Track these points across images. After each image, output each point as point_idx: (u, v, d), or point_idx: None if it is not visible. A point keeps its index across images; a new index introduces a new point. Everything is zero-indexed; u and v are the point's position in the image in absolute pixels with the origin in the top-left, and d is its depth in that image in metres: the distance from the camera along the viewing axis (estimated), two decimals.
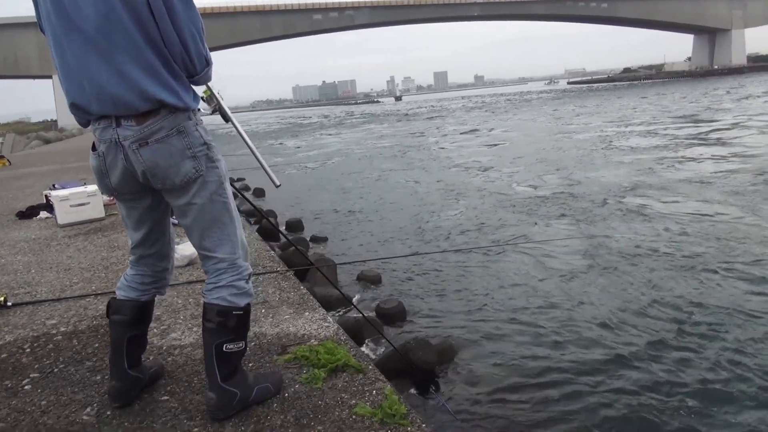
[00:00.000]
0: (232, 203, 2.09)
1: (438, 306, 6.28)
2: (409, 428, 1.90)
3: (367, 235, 9.98)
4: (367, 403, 2.08)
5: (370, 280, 7.35)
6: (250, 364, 2.49)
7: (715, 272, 6.43)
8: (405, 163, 20.11)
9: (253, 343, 2.72)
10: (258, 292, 3.45)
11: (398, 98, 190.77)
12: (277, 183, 2.27)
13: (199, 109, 2.07)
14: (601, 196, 11.21)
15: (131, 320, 2.18)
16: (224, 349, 2.01)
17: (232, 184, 2.32)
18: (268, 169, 2.29)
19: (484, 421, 3.83)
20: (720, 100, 38.00)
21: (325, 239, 9.78)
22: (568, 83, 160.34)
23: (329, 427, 1.97)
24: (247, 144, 2.31)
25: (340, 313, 6.18)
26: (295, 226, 10.82)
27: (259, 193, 16.30)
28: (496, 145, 23.84)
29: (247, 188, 17.22)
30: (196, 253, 2.25)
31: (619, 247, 7.65)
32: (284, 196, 15.40)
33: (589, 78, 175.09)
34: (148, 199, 2.07)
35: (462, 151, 22.23)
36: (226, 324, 2.00)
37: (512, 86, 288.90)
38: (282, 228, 10.75)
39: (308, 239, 9.59)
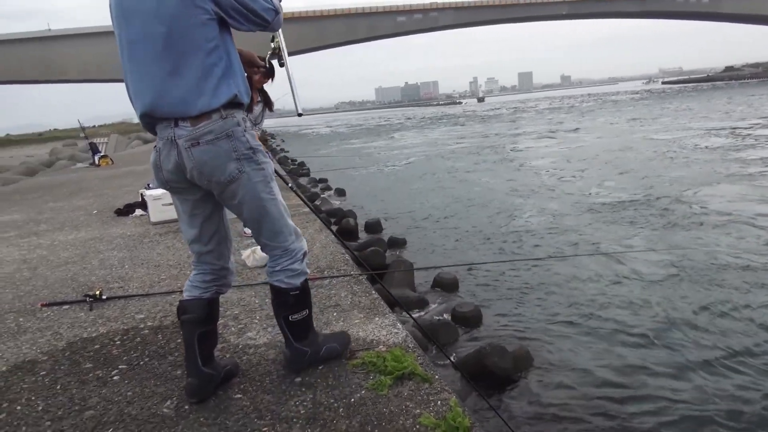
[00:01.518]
0: (279, 198, 2.32)
1: (516, 313, 6.14)
2: None
3: (444, 239, 9.91)
4: (432, 414, 2.06)
5: (447, 285, 7.30)
6: (320, 368, 2.54)
7: None
8: (482, 165, 19.83)
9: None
10: (331, 295, 3.52)
11: (481, 99, 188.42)
12: (300, 112, 2.50)
13: (248, 115, 2.32)
14: (684, 204, 10.57)
15: (198, 318, 2.34)
16: (290, 319, 2.41)
17: (312, 204, 2.47)
18: (297, 96, 2.49)
19: None
20: None
21: (403, 241, 9.77)
22: (663, 83, 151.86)
23: None
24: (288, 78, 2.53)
25: (416, 316, 6.20)
26: (373, 227, 10.90)
27: (340, 192, 16.63)
28: (576, 146, 23.00)
29: (329, 188, 17.63)
30: None
31: (703, 259, 7.16)
32: (364, 195, 15.61)
33: (686, 77, 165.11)
34: (199, 192, 2.25)
35: (540, 152, 21.64)
36: (287, 301, 2.38)
37: (601, 86, 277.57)
38: (361, 228, 10.90)
39: (386, 240, 9.64)
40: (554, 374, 4.72)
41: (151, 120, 2.17)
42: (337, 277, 3.85)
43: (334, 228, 10.64)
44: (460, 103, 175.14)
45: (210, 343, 2.41)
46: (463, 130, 42.24)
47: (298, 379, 2.45)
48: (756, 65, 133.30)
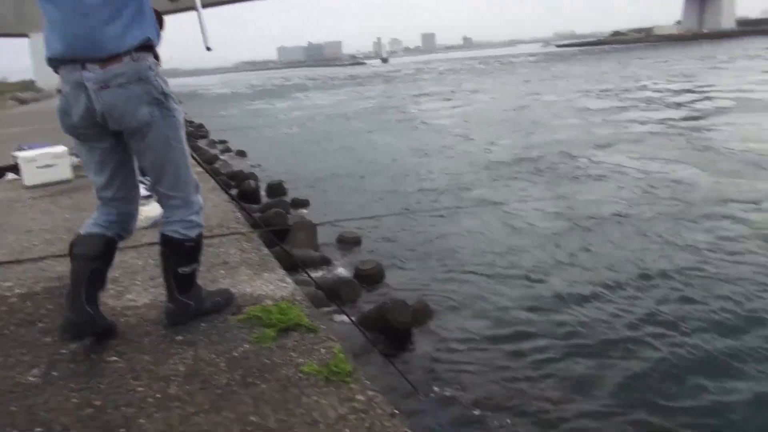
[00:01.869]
0: (186, 149, 2.28)
1: (417, 268, 6.31)
2: (352, 385, 1.88)
3: (348, 198, 9.93)
4: (315, 362, 2.05)
5: (350, 242, 7.34)
6: (203, 324, 2.46)
7: (677, 232, 6.55)
8: (385, 125, 19.94)
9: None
10: (219, 253, 3.40)
11: (385, 60, 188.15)
12: (209, 45, 2.33)
13: (158, 58, 2.17)
14: (570, 160, 11.33)
15: (94, 253, 2.25)
16: (179, 271, 2.34)
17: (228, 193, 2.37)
18: (206, 28, 2.35)
19: (445, 383, 3.87)
20: (708, 67, 37.91)
21: (306, 202, 9.69)
22: (557, 46, 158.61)
23: (274, 384, 1.94)
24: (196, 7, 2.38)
25: (319, 275, 6.19)
26: (276, 189, 10.67)
27: (241, 154, 16.11)
28: (474, 107, 23.74)
29: (228, 150, 17.02)
30: (160, 215, 2.42)
31: (591, 208, 7.72)
32: (266, 157, 15.25)
33: (579, 41, 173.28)
34: (108, 140, 2.18)
35: (441, 113, 22.05)
36: (180, 252, 2.32)
37: (502, 48, 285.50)
38: (263, 190, 10.64)
39: (289, 202, 9.49)
40: (453, 325, 4.91)
41: (59, 63, 2.08)
42: (227, 235, 3.72)
43: (235, 191, 10.35)
44: (364, 63, 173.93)
45: (99, 285, 2.32)
46: (366, 90, 42.09)
47: (180, 338, 2.36)
48: (639, 30, 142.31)
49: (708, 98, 19.76)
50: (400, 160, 12.94)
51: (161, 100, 2.12)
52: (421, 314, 5.01)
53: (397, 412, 1.76)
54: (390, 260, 6.52)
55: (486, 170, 10.91)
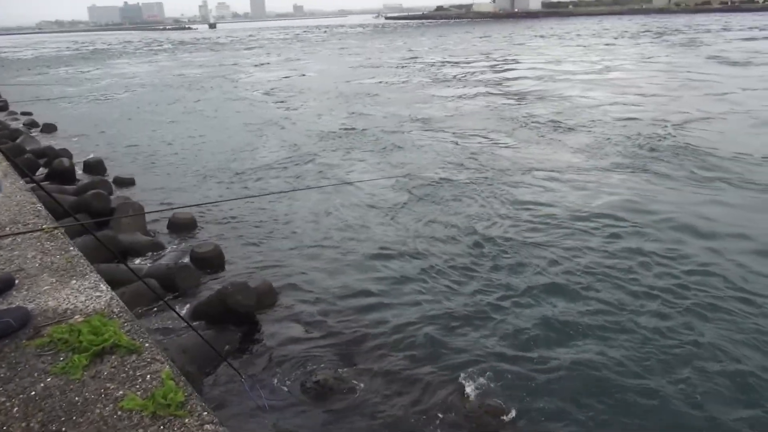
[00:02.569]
0: None
1: (257, 249, 5.96)
2: (186, 420, 1.57)
3: (178, 176, 9.12)
4: (139, 392, 1.70)
5: (184, 225, 6.70)
6: None
7: (495, 194, 7.14)
8: (214, 96, 18.83)
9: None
10: (12, 258, 2.79)
11: (212, 26, 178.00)
12: None
13: None
14: (396, 128, 11.74)
15: None
16: None
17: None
18: None
19: (294, 368, 3.69)
20: (516, 42, 41.26)
21: (131, 181, 8.71)
22: (386, 18, 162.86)
23: (86, 430, 1.56)
24: None
25: (150, 263, 5.56)
26: (95, 166, 9.43)
27: (50, 128, 14.08)
28: (308, 77, 23.53)
29: (35, 124, 14.80)
30: None
31: (420, 178, 7.96)
32: (81, 131, 13.55)
33: (406, 14, 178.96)
34: None
35: (273, 84, 21.38)
36: None
37: (333, 18, 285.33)
38: (79, 170, 9.36)
39: (111, 181, 8.45)
40: (298, 304, 4.69)
41: None
42: (23, 233, 3.07)
43: (44, 172, 8.99)
44: (190, 28, 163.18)
45: None
46: (193, 58, 39.53)
47: None
48: (460, 7, 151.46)
49: (514, 71, 21.57)
50: (232, 135, 12.21)
51: None
52: (266, 296, 4.73)
53: None
54: (228, 242, 6.09)
55: (320, 143, 10.73)
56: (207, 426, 1.54)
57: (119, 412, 1.62)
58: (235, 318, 4.24)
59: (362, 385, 3.44)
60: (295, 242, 6.07)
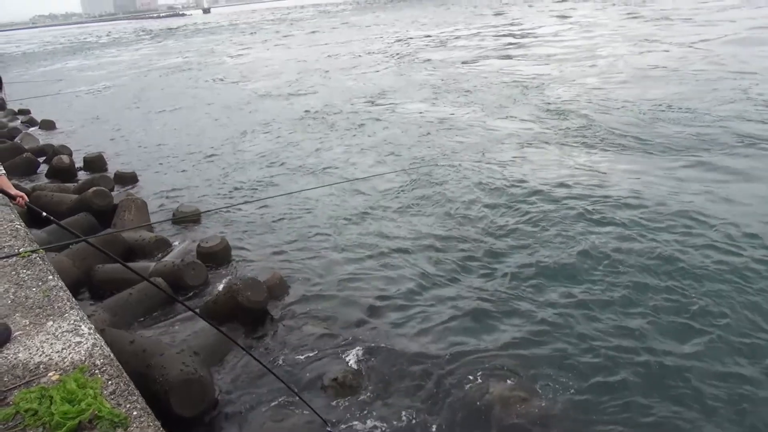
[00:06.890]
0: None
1: (265, 243, 5.78)
2: None
3: (178, 168, 8.99)
4: None
5: (188, 219, 6.56)
6: None
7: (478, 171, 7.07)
8: (207, 86, 18.44)
9: None
10: None
11: (206, 11, 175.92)
12: None
13: None
14: (387, 107, 11.66)
15: None
16: None
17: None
18: None
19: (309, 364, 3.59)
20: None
21: (133, 177, 8.55)
22: None
23: None
24: None
25: (156, 261, 5.43)
26: (95, 163, 9.31)
27: (48, 125, 13.94)
28: (307, 55, 23.28)
29: (33, 122, 14.65)
30: None
31: (427, 172, 7.63)
32: (79, 126, 13.41)
33: None
34: None
35: (263, 70, 20.89)
36: None
37: None
38: (79, 165, 9.23)
39: (112, 177, 8.31)
40: (309, 296, 4.59)
41: None
42: None
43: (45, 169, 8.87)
44: (184, 15, 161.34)
45: None
46: (183, 46, 38.98)
47: None
48: None
49: (487, 41, 21.22)
50: (227, 125, 11.90)
51: None
52: (277, 288, 4.61)
53: None
54: (235, 236, 5.96)
55: (322, 133, 10.43)
56: None
57: None
58: (247, 314, 4.15)
59: (380, 379, 3.36)
60: (302, 233, 5.91)
